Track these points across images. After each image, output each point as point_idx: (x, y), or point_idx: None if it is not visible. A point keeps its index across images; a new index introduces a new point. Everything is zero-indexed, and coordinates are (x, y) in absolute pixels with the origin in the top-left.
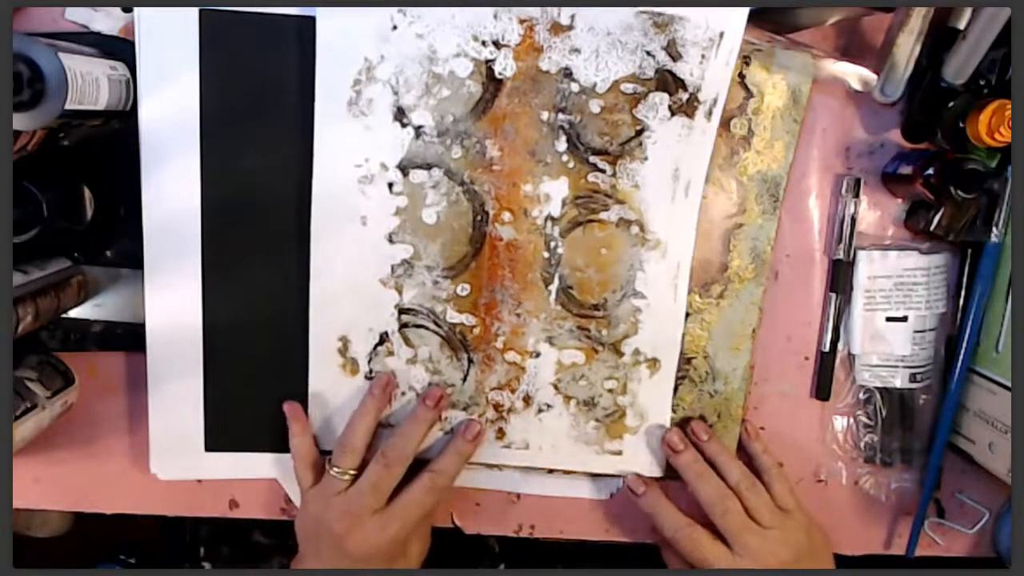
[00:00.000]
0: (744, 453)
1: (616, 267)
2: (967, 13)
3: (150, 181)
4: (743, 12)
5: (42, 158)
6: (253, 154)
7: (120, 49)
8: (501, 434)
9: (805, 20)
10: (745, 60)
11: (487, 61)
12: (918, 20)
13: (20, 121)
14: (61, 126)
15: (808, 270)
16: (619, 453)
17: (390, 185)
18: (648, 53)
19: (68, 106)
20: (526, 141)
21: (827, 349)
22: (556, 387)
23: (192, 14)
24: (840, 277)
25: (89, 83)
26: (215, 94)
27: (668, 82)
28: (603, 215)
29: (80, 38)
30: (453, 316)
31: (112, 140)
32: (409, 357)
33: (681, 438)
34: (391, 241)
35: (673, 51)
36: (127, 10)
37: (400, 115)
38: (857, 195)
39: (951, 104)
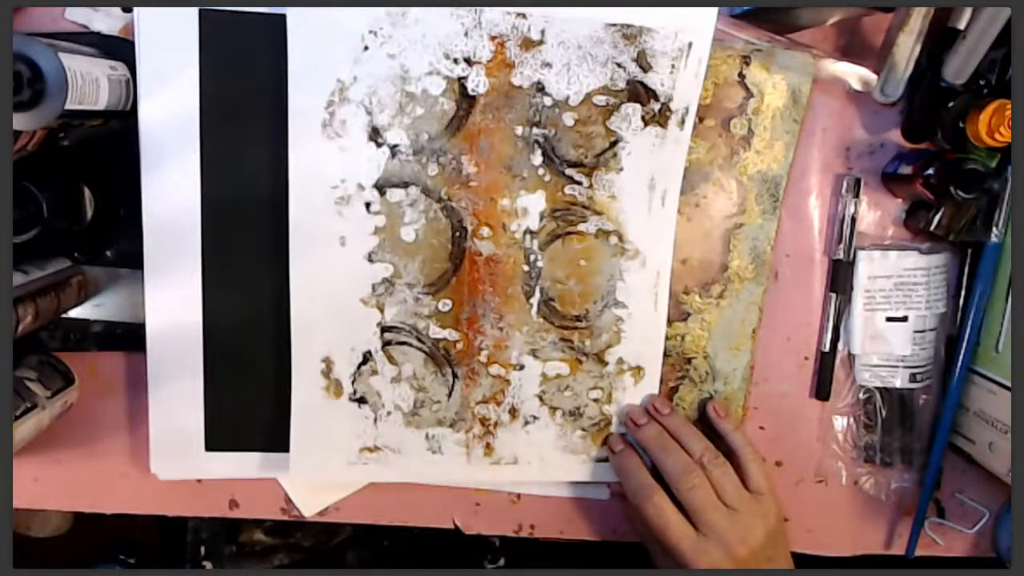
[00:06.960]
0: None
1: (596, 278)
2: (967, 13)
3: (150, 181)
4: (711, 22)
5: (42, 158)
6: (253, 154)
7: (120, 49)
8: (489, 450)
9: (805, 20)
10: (745, 60)
11: (459, 78)
12: (918, 20)
13: (20, 121)
14: (61, 126)
15: (808, 270)
16: (607, 460)
17: (367, 205)
18: (618, 65)
19: (68, 106)
20: (501, 156)
21: (827, 349)
22: (541, 399)
23: (192, 14)
24: (840, 277)
25: (89, 83)
26: (215, 94)
27: (640, 93)
28: (581, 227)
29: (80, 38)
30: (436, 332)
31: (112, 140)
32: (393, 375)
33: (643, 412)
34: (371, 260)
35: (643, 62)
36: (127, 10)
37: (375, 135)
38: (857, 195)
39: (951, 104)
